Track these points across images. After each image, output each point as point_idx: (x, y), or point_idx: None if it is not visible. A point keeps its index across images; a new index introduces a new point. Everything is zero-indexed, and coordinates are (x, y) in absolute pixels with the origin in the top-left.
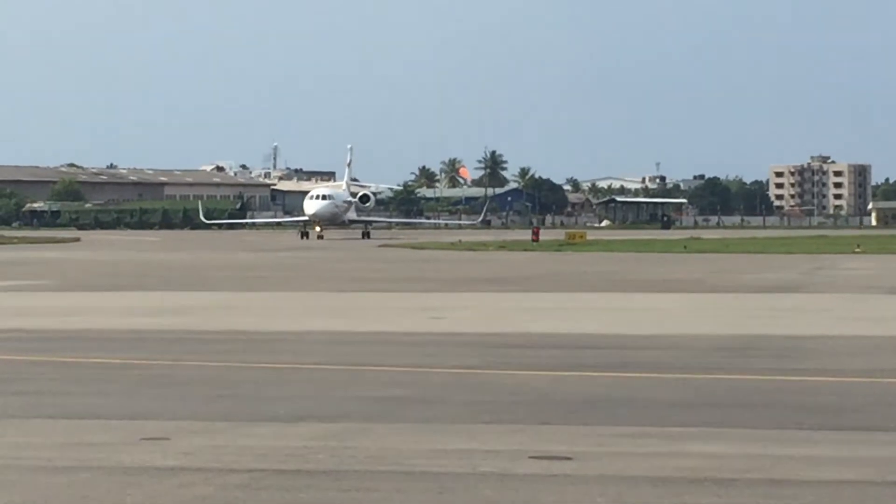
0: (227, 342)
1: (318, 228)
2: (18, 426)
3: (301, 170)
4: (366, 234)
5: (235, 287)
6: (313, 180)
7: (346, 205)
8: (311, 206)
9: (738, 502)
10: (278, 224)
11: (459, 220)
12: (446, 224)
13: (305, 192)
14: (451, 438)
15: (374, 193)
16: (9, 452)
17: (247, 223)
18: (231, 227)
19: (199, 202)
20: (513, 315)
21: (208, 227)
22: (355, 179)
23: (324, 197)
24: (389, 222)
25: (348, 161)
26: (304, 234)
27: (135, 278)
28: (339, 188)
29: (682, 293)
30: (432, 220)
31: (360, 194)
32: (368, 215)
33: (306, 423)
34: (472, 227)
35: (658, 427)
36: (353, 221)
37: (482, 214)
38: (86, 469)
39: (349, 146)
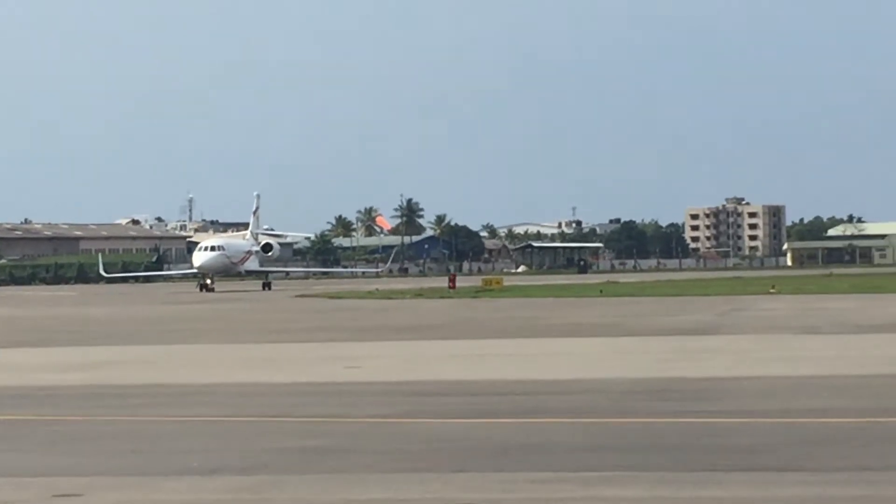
0: (141, 396)
1: (208, 280)
2: None
3: (217, 221)
4: (266, 286)
5: (150, 340)
6: (230, 231)
7: (243, 254)
8: (198, 258)
9: None
10: (179, 276)
11: (377, 268)
12: (363, 273)
13: None
14: (366, 488)
15: (291, 243)
16: None
17: (163, 275)
18: (147, 279)
19: (100, 255)
20: (428, 362)
21: (125, 280)
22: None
23: (212, 248)
24: (288, 272)
25: (255, 208)
26: (204, 287)
27: (48, 333)
28: (242, 237)
29: (598, 337)
30: (339, 269)
31: (262, 243)
32: (273, 265)
33: (221, 476)
34: (389, 275)
35: (573, 472)
36: (251, 272)
37: (389, 260)
38: None
39: (255, 193)
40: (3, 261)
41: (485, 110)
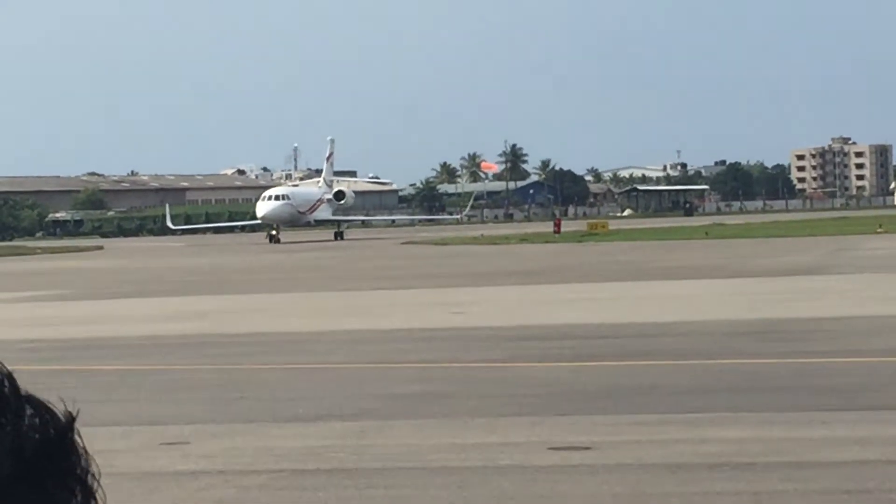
0: (247, 345)
1: (273, 231)
2: None
3: (321, 170)
4: (338, 235)
5: (257, 290)
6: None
7: (312, 203)
8: (261, 208)
9: (758, 486)
10: (248, 228)
11: (482, 214)
12: (438, 220)
13: None
14: (470, 433)
15: (396, 190)
16: None
17: (231, 226)
18: (253, 228)
19: (167, 207)
20: (533, 307)
21: (193, 231)
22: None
23: (276, 197)
24: (363, 220)
25: (328, 154)
26: (271, 237)
27: (156, 284)
28: (315, 185)
29: (703, 279)
30: (421, 217)
31: (335, 191)
32: (346, 213)
33: (326, 423)
34: (469, 221)
35: (677, 414)
36: (322, 221)
37: (468, 207)
38: (106, 475)
39: (329, 138)
40: (111, 213)
41: (588, 54)
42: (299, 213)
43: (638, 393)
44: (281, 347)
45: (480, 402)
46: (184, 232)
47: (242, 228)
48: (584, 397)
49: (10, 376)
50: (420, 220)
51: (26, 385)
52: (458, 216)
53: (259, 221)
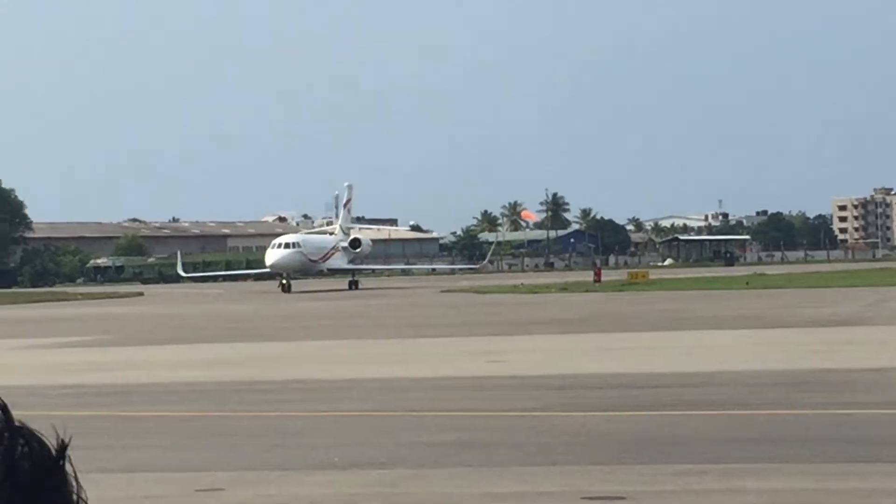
0: (284, 391)
1: (283, 280)
2: None
3: (363, 217)
4: (353, 284)
5: (294, 336)
6: (375, 228)
7: (325, 251)
8: (270, 256)
9: None
10: (259, 275)
11: (522, 263)
12: (459, 270)
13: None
14: (504, 482)
15: (437, 238)
16: None
17: (242, 274)
18: (227, 278)
19: (178, 253)
20: (572, 356)
21: (204, 279)
22: (416, 226)
23: (287, 245)
24: (375, 269)
25: (345, 200)
26: (283, 286)
27: (195, 331)
28: (329, 233)
29: (741, 329)
30: (440, 266)
31: (350, 238)
32: (362, 262)
33: (360, 470)
34: (489, 271)
35: (714, 464)
36: (336, 270)
37: (487, 256)
38: None
39: (346, 184)
40: (152, 259)
41: (629, 103)
42: (311, 261)
43: (673, 443)
44: (316, 394)
45: (515, 451)
46: (194, 280)
47: (256, 277)
48: (619, 447)
49: (3, 407)
50: (435, 270)
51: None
52: (478, 265)
53: (264, 270)
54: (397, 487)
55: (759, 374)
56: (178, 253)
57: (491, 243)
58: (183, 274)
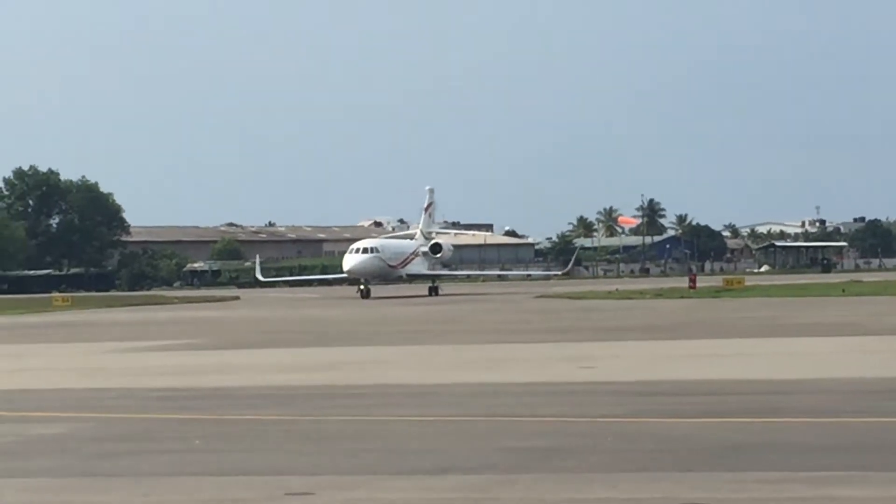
0: (375, 396)
1: (361, 286)
2: (165, 484)
3: (458, 222)
4: (433, 290)
5: (387, 342)
6: (471, 232)
7: (404, 256)
8: (348, 261)
9: None
10: (337, 280)
11: (618, 269)
12: (530, 276)
13: (462, 246)
14: (593, 487)
15: (533, 244)
16: None
17: (320, 279)
18: (304, 283)
19: (257, 257)
20: (664, 362)
21: (282, 283)
22: (512, 231)
23: (365, 250)
24: (457, 275)
25: (426, 204)
26: (362, 292)
27: (289, 335)
28: (410, 237)
29: (836, 337)
30: (512, 272)
31: (431, 243)
32: (443, 267)
33: (450, 475)
34: (566, 277)
35: (803, 472)
36: (415, 276)
37: (570, 263)
38: None
39: (428, 187)
40: (248, 263)
41: (726, 108)
42: (389, 266)
43: (763, 450)
44: (407, 399)
45: (605, 457)
46: (272, 284)
47: (333, 282)
48: (708, 453)
49: None
50: (481, 276)
51: (154, 433)
52: (560, 272)
53: (342, 276)
54: (487, 492)
55: (852, 382)
56: (257, 257)
57: (586, 248)
58: (262, 279)
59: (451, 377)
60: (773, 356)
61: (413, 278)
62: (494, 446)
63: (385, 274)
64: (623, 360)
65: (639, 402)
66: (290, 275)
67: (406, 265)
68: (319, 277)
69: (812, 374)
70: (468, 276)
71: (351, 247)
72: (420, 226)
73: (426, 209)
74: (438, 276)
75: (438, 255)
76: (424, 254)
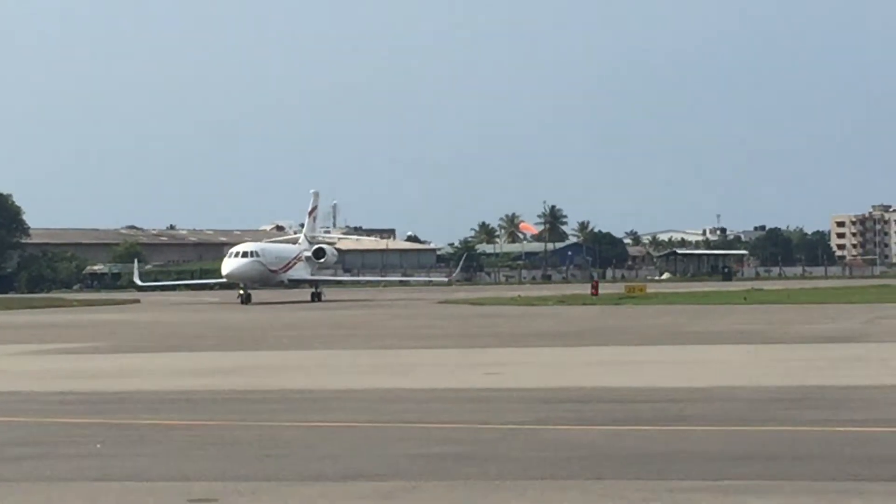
0: (277, 402)
1: (241, 291)
2: (66, 489)
3: (361, 227)
4: (316, 296)
5: (287, 346)
6: (374, 237)
7: (286, 261)
8: (227, 265)
9: None
10: (217, 286)
11: (520, 275)
12: (430, 282)
13: (365, 251)
14: (501, 495)
15: (434, 249)
16: None
17: (199, 284)
18: (297, 284)
19: (136, 262)
20: (569, 369)
21: (161, 288)
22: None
23: (244, 254)
24: (341, 280)
25: (310, 208)
26: (242, 297)
27: (190, 339)
28: (292, 242)
29: (740, 344)
30: (405, 278)
31: (314, 248)
32: (327, 273)
33: (355, 482)
34: (458, 283)
35: (713, 481)
36: (296, 281)
37: (458, 268)
38: None
39: (312, 191)
40: (149, 266)
41: (628, 117)
42: (270, 271)
43: (672, 459)
44: (310, 405)
45: (512, 464)
46: (152, 288)
47: (214, 287)
48: (618, 462)
49: None
50: (371, 282)
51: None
52: (447, 278)
53: (220, 280)
54: (394, 499)
55: (757, 390)
56: (136, 262)
57: (488, 254)
58: (140, 283)
59: (356, 383)
60: (678, 364)
61: (295, 283)
62: (401, 453)
63: (265, 279)
64: (529, 367)
65: (546, 408)
66: (192, 278)
67: (288, 270)
68: (198, 282)
69: (717, 381)
70: (352, 281)
71: (230, 250)
72: (304, 230)
73: (310, 213)
74: (321, 282)
75: (322, 260)
76: (308, 258)
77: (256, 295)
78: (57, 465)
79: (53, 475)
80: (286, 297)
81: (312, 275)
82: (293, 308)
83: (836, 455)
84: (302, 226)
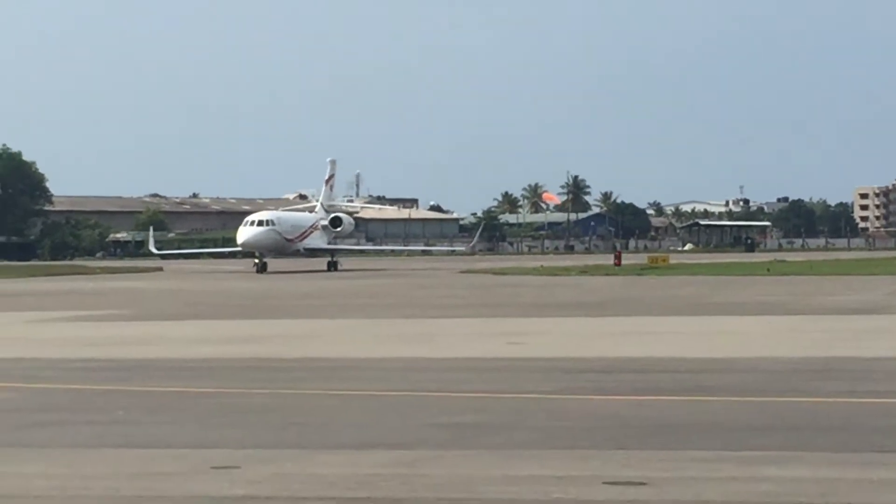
0: (301, 370)
1: (256, 259)
2: (89, 456)
3: (384, 197)
4: (332, 265)
5: (312, 314)
6: (397, 207)
7: (302, 230)
8: (242, 234)
9: None
10: (231, 254)
11: (543, 245)
12: (452, 251)
13: (387, 220)
14: (523, 465)
15: (457, 219)
16: (78, 483)
17: (216, 252)
18: (200, 256)
19: (150, 230)
20: (591, 339)
21: (176, 257)
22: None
23: (260, 223)
24: (358, 249)
25: (327, 177)
26: (258, 266)
27: (213, 307)
28: (309, 210)
29: (762, 315)
30: (416, 247)
31: (331, 216)
32: (347, 242)
33: (377, 451)
34: (479, 252)
35: (734, 451)
36: (313, 250)
37: (475, 238)
38: (154, 498)
39: (329, 159)
40: (172, 234)
41: (652, 87)
42: (286, 240)
43: (695, 429)
44: (334, 373)
45: (535, 433)
46: (166, 257)
47: (232, 255)
48: (640, 432)
49: None
50: (393, 251)
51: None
52: (466, 247)
53: (236, 249)
54: (415, 468)
55: (779, 361)
56: (150, 230)
57: (511, 224)
58: (155, 251)
59: (378, 351)
60: (701, 335)
61: (311, 252)
62: (422, 422)
63: (281, 247)
64: (551, 337)
65: (568, 378)
66: (215, 247)
67: (304, 239)
68: (213, 251)
69: (739, 352)
70: (374, 250)
71: (246, 219)
72: (321, 198)
73: (327, 181)
74: (339, 251)
75: (339, 229)
76: (324, 227)
77: (272, 264)
78: (79, 432)
79: (75, 441)
80: (303, 265)
81: (329, 244)
82: (310, 277)
83: (858, 426)
84: None
